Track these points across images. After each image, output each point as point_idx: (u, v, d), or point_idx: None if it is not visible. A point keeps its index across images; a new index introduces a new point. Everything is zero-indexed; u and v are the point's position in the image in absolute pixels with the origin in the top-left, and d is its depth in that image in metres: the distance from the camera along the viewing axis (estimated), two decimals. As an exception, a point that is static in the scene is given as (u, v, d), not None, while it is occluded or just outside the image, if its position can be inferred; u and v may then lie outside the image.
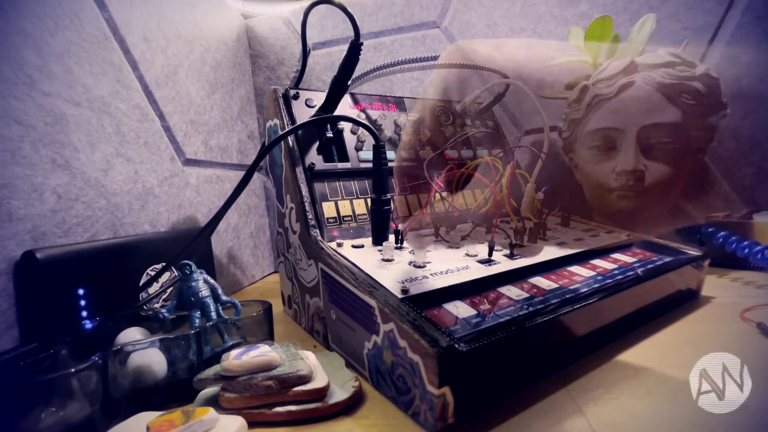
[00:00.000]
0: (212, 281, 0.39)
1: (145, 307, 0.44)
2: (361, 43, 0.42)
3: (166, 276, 0.47)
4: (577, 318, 0.35)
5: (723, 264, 0.60)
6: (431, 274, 0.36)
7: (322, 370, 0.32)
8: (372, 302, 0.32)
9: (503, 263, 0.40)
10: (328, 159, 0.47)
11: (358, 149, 0.49)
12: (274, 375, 0.29)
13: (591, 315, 0.37)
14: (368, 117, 0.53)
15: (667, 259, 0.47)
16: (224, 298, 0.39)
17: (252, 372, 0.30)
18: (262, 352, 0.31)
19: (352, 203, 0.47)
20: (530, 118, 0.76)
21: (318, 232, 0.42)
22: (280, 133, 0.45)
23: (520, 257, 0.42)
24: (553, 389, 0.32)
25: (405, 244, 0.43)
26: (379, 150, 0.42)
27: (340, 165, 0.48)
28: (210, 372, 0.31)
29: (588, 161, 0.65)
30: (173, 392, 0.32)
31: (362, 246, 0.42)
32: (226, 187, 0.67)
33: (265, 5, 0.81)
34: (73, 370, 0.27)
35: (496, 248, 0.42)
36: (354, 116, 0.47)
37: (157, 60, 0.53)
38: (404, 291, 0.33)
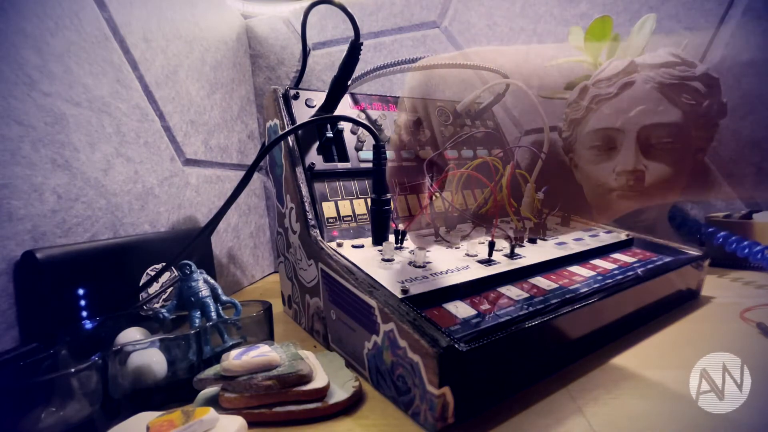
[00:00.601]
0: (212, 281, 0.39)
1: (145, 307, 0.44)
2: (361, 43, 0.42)
3: (166, 276, 0.47)
4: (577, 318, 0.35)
5: (723, 264, 0.60)
6: (431, 274, 0.36)
7: (322, 370, 0.32)
8: (372, 302, 0.32)
9: (503, 263, 0.40)
10: (328, 159, 0.47)
11: (358, 149, 0.49)
12: (274, 375, 0.29)
13: (591, 315, 0.37)
14: (368, 117, 0.53)
15: (667, 259, 0.47)
16: (224, 298, 0.39)
17: (252, 372, 0.30)
18: (262, 352, 0.31)
19: (352, 203, 0.47)
20: (530, 118, 0.76)
21: (318, 232, 0.42)
22: (280, 133, 0.45)
23: (520, 257, 0.42)
24: (553, 389, 0.32)
25: (407, 243, 0.43)
26: (379, 150, 0.42)
27: (340, 165, 0.48)
28: (210, 372, 0.31)
29: (588, 161, 0.65)
30: (173, 392, 0.32)
31: (362, 246, 0.42)
32: (226, 187, 0.67)
33: (265, 5, 0.81)
34: (73, 370, 0.27)
35: (496, 248, 0.42)
36: (354, 116, 0.47)
37: (157, 60, 0.53)
38: (404, 291, 0.33)
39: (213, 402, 0.30)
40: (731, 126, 0.67)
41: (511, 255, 0.42)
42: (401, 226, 0.44)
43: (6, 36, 0.35)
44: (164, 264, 0.44)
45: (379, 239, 0.42)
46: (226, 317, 0.38)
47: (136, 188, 0.48)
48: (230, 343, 0.36)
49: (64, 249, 0.38)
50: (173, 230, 0.53)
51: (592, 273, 0.42)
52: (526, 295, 0.36)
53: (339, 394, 0.30)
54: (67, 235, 0.40)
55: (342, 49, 0.51)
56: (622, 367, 0.34)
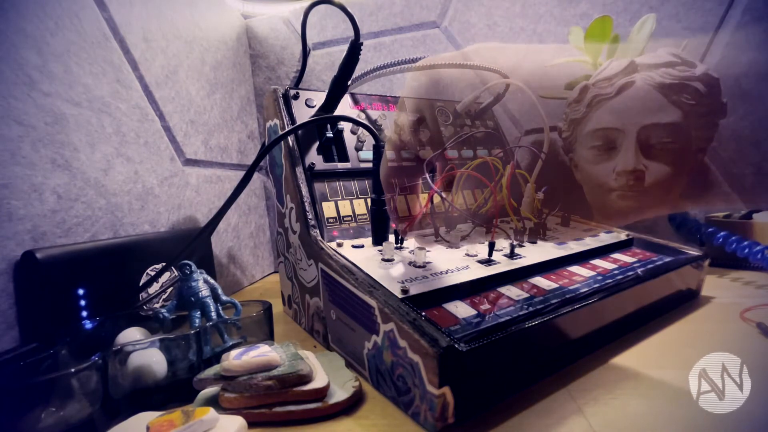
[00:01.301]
0: (212, 281, 0.39)
1: (145, 307, 0.44)
2: (361, 43, 0.42)
3: (166, 276, 0.47)
4: (577, 318, 0.35)
5: (723, 264, 0.60)
6: (431, 274, 0.36)
7: (322, 370, 0.32)
8: (372, 302, 0.32)
9: (503, 263, 0.40)
10: (328, 159, 0.47)
11: (358, 149, 0.49)
12: (274, 375, 0.29)
13: (591, 315, 0.37)
14: (368, 117, 0.53)
15: (667, 259, 0.47)
16: (224, 298, 0.39)
17: (252, 372, 0.30)
18: (262, 352, 0.31)
19: (352, 203, 0.47)
20: (530, 118, 0.76)
21: (318, 232, 0.42)
22: (280, 133, 0.45)
23: (520, 257, 0.42)
24: (553, 389, 0.32)
25: (407, 243, 0.43)
26: (379, 150, 0.42)
27: (340, 165, 0.48)
28: (210, 372, 0.31)
29: (588, 161, 0.65)
30: (173, 392, 0.32)
31: (362, 246, 0.42)
32: (226, 187, 0.67)
33: (265, 5, 0.81)
34: (73, 370, 0.27)
35: (496, 248, 0.42)
36: (354, 116, 0.47)
37: (157, 60, 0.53)
38: (404, 291, 0.33)
39: (213, 402, 0.30)
40: (731, 126, 0.67)
41: (511, 255, 0.42)
42: (401, 227, 0.44)
43: (6, 36, 0.35)
44: (164, 264, 0.44)
45: (379, 239, 0.42)
46: (226, 317, 0.38)
47: (136, 188, 0.48)
48: (230, 343, 0.36)
49: (64, 249, 0.38)
50: (173, 230, 0.53)
51: (592, 273, 0.42)
52: (526, 295, 0.36)
53: (339, 394, 0.30)
54: (67, 235, 0.40)
55: (342, 49, 0.51)
56: (622, 367, 0.34)
